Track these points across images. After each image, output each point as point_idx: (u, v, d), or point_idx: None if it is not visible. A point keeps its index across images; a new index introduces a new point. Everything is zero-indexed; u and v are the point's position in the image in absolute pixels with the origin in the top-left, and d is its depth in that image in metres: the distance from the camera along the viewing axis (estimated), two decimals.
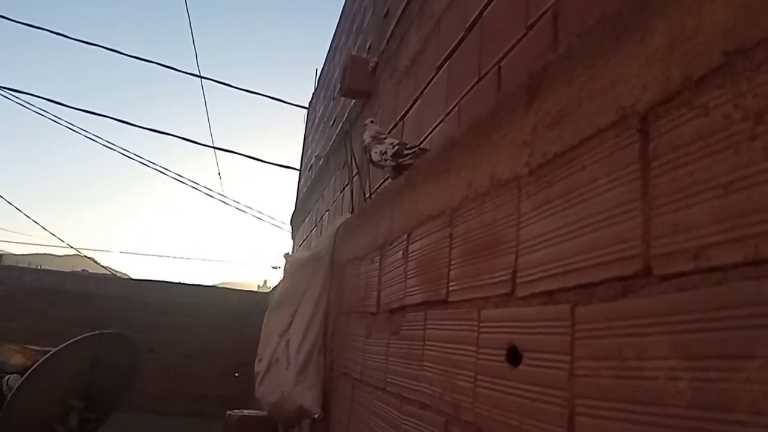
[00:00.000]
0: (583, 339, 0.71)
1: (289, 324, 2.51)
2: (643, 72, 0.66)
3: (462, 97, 1.84)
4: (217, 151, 8.64)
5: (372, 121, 2.18)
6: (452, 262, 1.20)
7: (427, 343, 1.28)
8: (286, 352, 2.44)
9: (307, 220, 6.06)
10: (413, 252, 1.46)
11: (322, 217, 4.87)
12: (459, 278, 1.15)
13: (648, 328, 0.61)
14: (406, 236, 1.53)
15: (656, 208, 0.61)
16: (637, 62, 0.68)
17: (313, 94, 7.59)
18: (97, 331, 4.20)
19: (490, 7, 1.72)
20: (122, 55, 8.13)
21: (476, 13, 1.80)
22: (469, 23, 1.86)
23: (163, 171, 8.61)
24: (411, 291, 1.44)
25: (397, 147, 1.85)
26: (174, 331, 7.29)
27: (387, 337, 1.59)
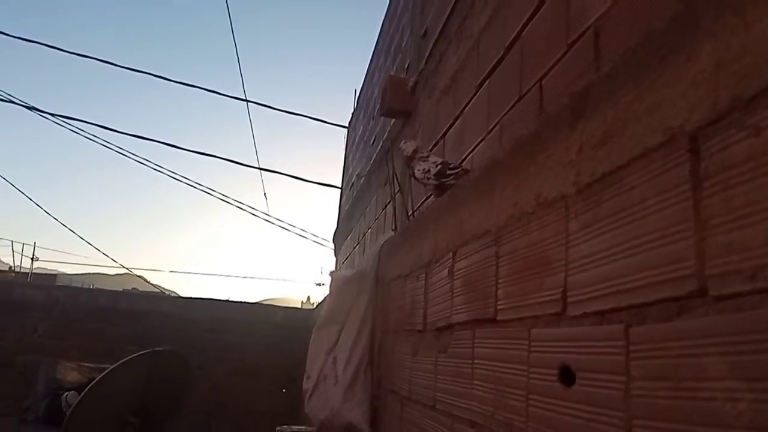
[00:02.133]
0: (638, 359, 0.71)
1: (335, 341, 2.54)
2: (690, 92, 0.67)
3: (503, 116, 1.85)
4: (262, 171, 8.81)
5: (407, 141, 2.20)
6: (499, 281, 1.20)
7: (476, 361, 1.29)
8: (333, 369, 2.46)
9: (349, 237, 6.11)
10: (459, 270, 1.47)
11: (364, 235, 4.91)
12: (507, 297, 1.15)
13: (705, 349, 0.61)
14: (451, 255, 1.54)
15: (710, 228, 0.62)
16: (683, 83, 0.68)
17: (352, 114, 7.69)
18: (150, 349, 4.32)
19: (529, 25, 1.73)
20: (169, 81, 8.40)
21: (515, 32, 1.82)
22: (508, 42, 1.88)
23: (209, 192, 8.83)
24: (458, 309, 1.44)
25: (440, 166, 1.87)
26: (221, 347, 7.42)
27: (435, 355, 1.60)
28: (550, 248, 0.99)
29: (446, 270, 1.57)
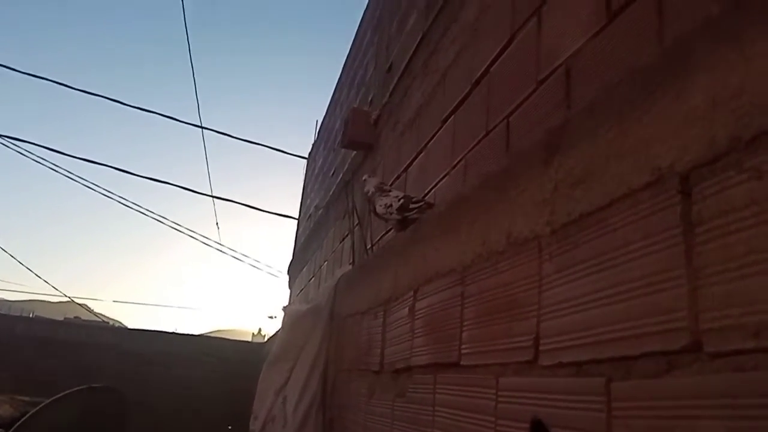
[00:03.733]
0: (621, 417, 0.65)
1: (286, 380, 2.42)
2: (682, 131, 0.62)
3: (468, 151, 1.82)
4: (215, 200, 8.61)
5: (369, 176, 2.14)
6: (465, 323, 1.14)
7: (437, 408, 1.21)
8: (283, 409, 2.34)
9: (305, 269, 5.98)
10: (420, 310, 1.40)
11: (320, 267, 4.80)
12: (473, 341, 1.09)
13: (698, 411, 0.55)
14: (412, 293, 1.47)
15: (704, 277, 0.56)
16: (674, 120, 0.64)
17: (313, 145, 7.63)
18: (85, 385, 4.05)
19: (498, 61, 1.71)
20: (124, 105, 8.19)
21: (483, 68, 1.80)
22: (476, 78, 1.86)
23: (160, 220, 8.56)
24: (418, 351, 1.37)
25: (402, 200, 1.81)
26: (165, 382, 7.10)
27: (392, 398, 1.51)
28: (521, 291, 0.93)
29: (407, 308, 1.50)
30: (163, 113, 8.23)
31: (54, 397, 3.80)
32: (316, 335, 2.39)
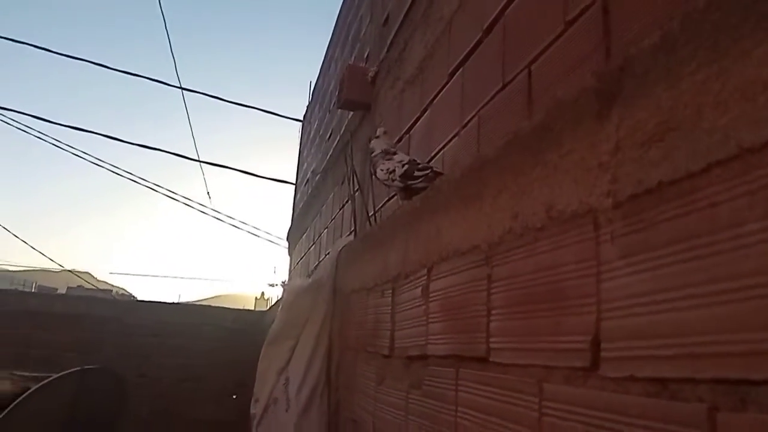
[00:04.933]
0: None
1: (288, 360, 2.27)
2: None
3: (482, 107, 1.61)
4: (207, 166, 8.41)
5: (385, 132, 1.94)
6: (493, 312, 0.96)
7: (460, 408, 1.04)
8: (285, 392, 2.19)
9: (304, 236, 5.81)
10: (436, 291, 1.22)
11: (320, 235, 4.63)
12: (505, 334, 0.91)
13: None
14: (426, 271, 1.29)
15: None
16: None
17: (307, 107, 7.37)
18: (77, 368, 3.91)
19: (514, 2, 1.49)
20: (108, 69, 7.90)
21: (497, 11, 1.58)
22: (488, 23, 1.64)
23: (154, 188, 8.36)
24: (435, 339, 1.20)
25: (407, 166, 1.61)
26: (168, 353, 6.99)
27: (405, 389, 1.35)
28: (571, 279, 0.75)
29: (419, 289, 1.32)
30: (148, 76, 7.93)
31: (43, 382, 3.66)
32: (319, 312, 2.23)
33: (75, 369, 3.94)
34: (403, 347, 1.41)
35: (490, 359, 0.94)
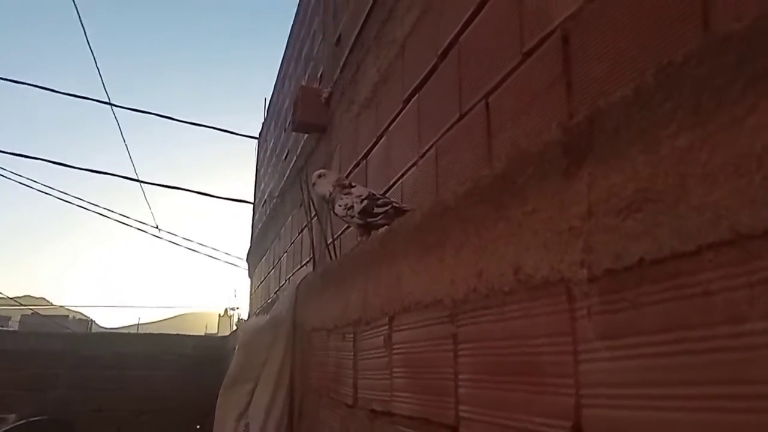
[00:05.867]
0: None
1: (247, 404, 2.15)
2: None
3: (440, 137, 1.55)
4: (159, 188, 8.16)
5: (321, 174, 1.82)
6: (461, 376, 0.88)
7: None
8: None
9: (264, 259, 5.67)
10: (399, 344, 1.14)
11: (279, 259, 4.50)
12: (475, 403, 0.83)
13: None
14: (387, 320, 1.21)
15: None
16: None
17: (263, 124, 7.23)
18: (23, 420, 3.69)
19: (469, 28, 1.43)
20: (55, 93, 7.60)
21: (451, 37, 1.52)
22: (442, 49, 1.58)
23: (105, 214, 8.06)
24: (401, 397, 1.11)
25: (366, 202, 1.53)
26: (125, 385, 6.72)
27: None
28: (545, 353, 0.68)
29: (381, 338, 1.24)
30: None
31: None
32: (278, 350, 2.12)
33: (21, 422, 3.71)
34: (367, 399, 1.32)
35: (460, 429, 0.86)
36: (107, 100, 7.23)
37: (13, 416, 5.38)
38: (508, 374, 0.75)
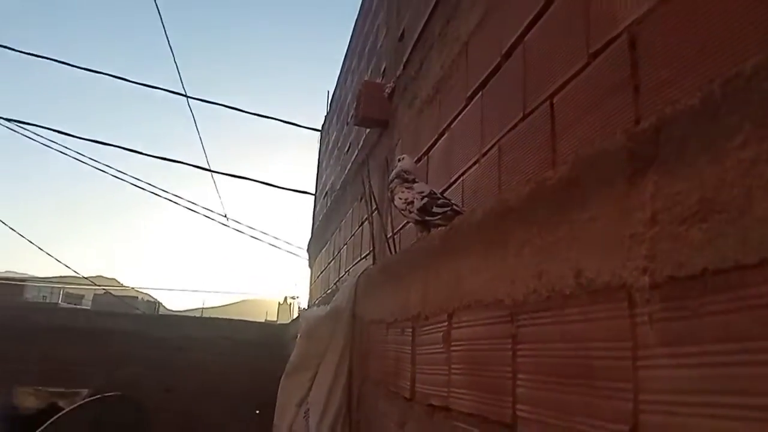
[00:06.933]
0: None
1: (307, 390, 2.22)
2: None
3: (502, 136, 1.55)
4: (226, 178, 8.42)
5: (401, 159, 1.88)
6: (519, 376, 0.90)
7: None
8: (305, 425, 2.14)
9: (324, 250, 5.78)
10: (458, 341, 1.16)
11: (339, 251, 4.58)
12: (532, 403, 0.85)
13: None
14: (446, 316, 1.23)
15: None
16: None
17: (325, 117, 7.35)
18: (98, 395, 3.92)
19: (536, 27, 1.43)
20: (127, 82, 7.97)
21: (516, 36, 1.52)
22: (506, 48, 1.58)
23: (175, 200, 8.40)
24: (458, 393, 1.14)
25: (426, 200, 1.55)
26: (191, 366, 7.01)
27: None
28: (604, 357, 0.69)
29: (440, 334, 1.26)
30: (154, 86, 7.98)
31: (63, 411, 3.67)
32: (338, 341, 2.18)
33: (95, 397, 3.94)
34: (424, 393, 1.35)
35: (518, 429, 0.88)
36: (183, 92, 7.53)
37: (86, 391, 5.71)
38: (567, 376, 0.76)
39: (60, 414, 3.69)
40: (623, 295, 0.66)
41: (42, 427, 3.62)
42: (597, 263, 0.71)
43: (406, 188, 1.71)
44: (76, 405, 3.76)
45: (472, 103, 1.83)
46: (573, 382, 0.74)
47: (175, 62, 7.47)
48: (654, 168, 0.63)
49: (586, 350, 0.72)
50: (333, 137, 6.24)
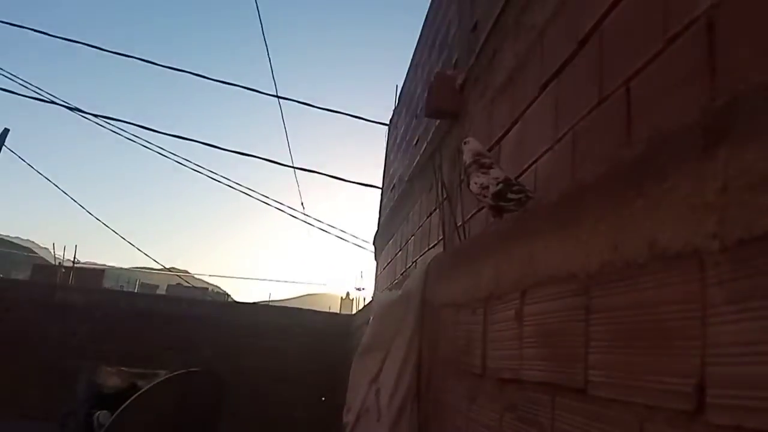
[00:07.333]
0: None
1: (378, 370, 2.31)
2: None
3: (577, 123, 1.58)
4: (298, 171, 8.67)
5: (467, 142, 1.93)
6: (591, 344, 0.95)
7: None
8: (376, 402, 2.24)
9: (391, 242, 5.88)
10: (530, 316, 1.22)
11: (407, 242, 4.67)
12: (603, 367, 0.90)
13: None
14: (519, 294, 1.29)
15: None
16: None
17: (393, 111, 7.44)
18: (184, 370, 4.18)
19: (611, 15, 1.45)
20: (206, 79, 8.34)
21: (593, 23, 1.54)
22: (582, 35, 1.60)
23: (248, 193, 8.75)
24: (530, 364, 1.19)
25: (501, 185, 1.60)
26: (260, 352, 7.31)
27: (499, 411, 1.35)
28: (675, 319, 0.73)
29: (512, 311, 1.32)
30: (244, 86, 8.31)
31: (155, 382, 3.94)
32: (408, 324, 2.26)
33: (182, 371, 4.21)
34: (495, 368, 1.41)
35: (588, 392, 0.93)
36: (275, 93, 7.84)
37: (164, 372, 6.08)
38: (638, 339, 0.81)
39: (149, 386, 3.96)
40: (695, 261, 0.70)
41: (133, 396, 3.89)
42: (671, 233, 0.76)
43: (482, 173, 1.76)
44: (164, 377, 4.02)
45: (546, 91, 1.87)
46: (643, 344, 0.79)
47: (270, 64, 7.77)
48: (727, 140, 0.67)
49: (657, 314, 0.77)
50: (401, 131, 6.33)
